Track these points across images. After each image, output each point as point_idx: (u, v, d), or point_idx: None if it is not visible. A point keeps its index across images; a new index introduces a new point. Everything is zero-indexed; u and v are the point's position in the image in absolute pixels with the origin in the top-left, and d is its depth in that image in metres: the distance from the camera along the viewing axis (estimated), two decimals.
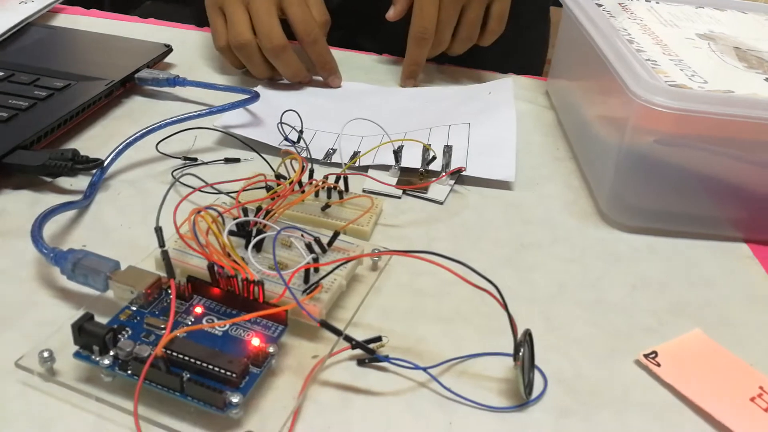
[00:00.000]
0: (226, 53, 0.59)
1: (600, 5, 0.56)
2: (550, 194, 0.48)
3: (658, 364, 0.34)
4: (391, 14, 0.61)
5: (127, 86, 0.56)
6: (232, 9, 0.56)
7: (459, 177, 0.48)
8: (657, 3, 0.59)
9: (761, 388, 0.33)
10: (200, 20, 0.72)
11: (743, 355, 0.35)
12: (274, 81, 0.61)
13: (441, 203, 0.46)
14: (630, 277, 0.41)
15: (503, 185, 0.48)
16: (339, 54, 0.64)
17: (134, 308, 0.32)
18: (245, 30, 0.56)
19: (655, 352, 0.35)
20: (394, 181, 0.47)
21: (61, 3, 0.71)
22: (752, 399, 0.32)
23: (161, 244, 0.32)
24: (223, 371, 0.28)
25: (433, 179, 0.47)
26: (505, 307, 0.30)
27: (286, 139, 0.49)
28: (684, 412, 0.32)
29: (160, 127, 0.47)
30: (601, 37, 0.50)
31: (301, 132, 0.50)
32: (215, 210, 0.34)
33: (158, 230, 0.32)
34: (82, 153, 0.44)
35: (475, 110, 0.56)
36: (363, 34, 0.73)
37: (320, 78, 0.62)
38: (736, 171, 0.43)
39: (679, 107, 0.40)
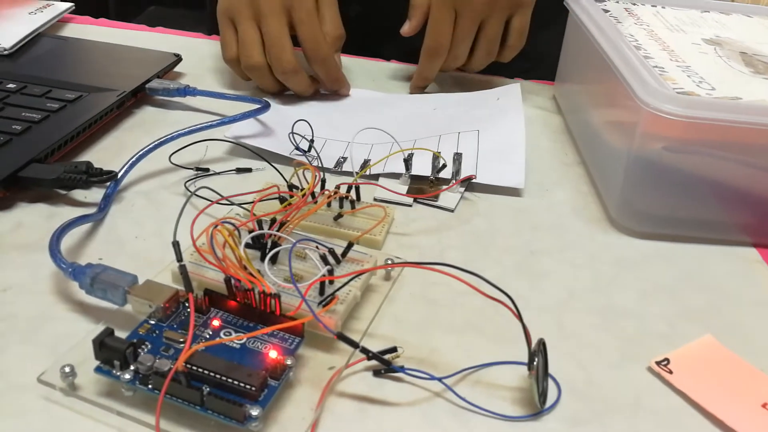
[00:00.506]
0: (234, 66, 0.59)
1: (606, 10, 0.57)
2: (560, 200, 0.49)
3: (670, 372, 0.34)
4: (406, 29, 0.60)
5: (138, 96, 0.56)
6: (244, 27, 0.56)
7: (469, 184, 0.49)
8: (663, 8, 0.59)
9: None
10: (212, 28, 0.72)
11: (754, 361, 0.35)
12: (282, 93, 0.61)
13: (452, 211, 0.46)
14: (640, 282, 0.41)
15: (513, 192, 0.49)
16: (345, 60, 0.65)
17: (153, 322, 0.32)
18: (256, 53, 0.56)
19: (667, 359, 0.35)
20: (404, 189, 0.48)
21: (69, 12, 0.72)
22: (764, 405, 0.33)
23: (179, 258, 0.32)
24: (242, 384, 0.28)
25: (444, 187, 0.47)
26: (520, 317, 0.30)
27: (297, 148, 0.50)
28: (696, 419, 0.32)
29: (171, 139, 0.48)
30: (608, 44, 0.50)
31: (312, 141, 0.50)
32: (231, 224, 0.34)
33: (176, 245, 0.32)
34: (95, 165, 0.44)
35: (483, 117, 0.56)
36: (382, 43, 0.73)
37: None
38: (745, 176, 0.43)
39: (687, 114, 0.40)
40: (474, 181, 0.48)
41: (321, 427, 0.30)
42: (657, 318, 0.38)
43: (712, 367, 0.35)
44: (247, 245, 0.36)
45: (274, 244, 0.36)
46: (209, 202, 0.41)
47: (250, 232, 0.36)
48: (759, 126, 0.40)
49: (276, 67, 0.56)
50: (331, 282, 0.34)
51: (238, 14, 0.56)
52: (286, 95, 0.61)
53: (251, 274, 0.32)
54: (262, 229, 0.37)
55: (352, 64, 0.67)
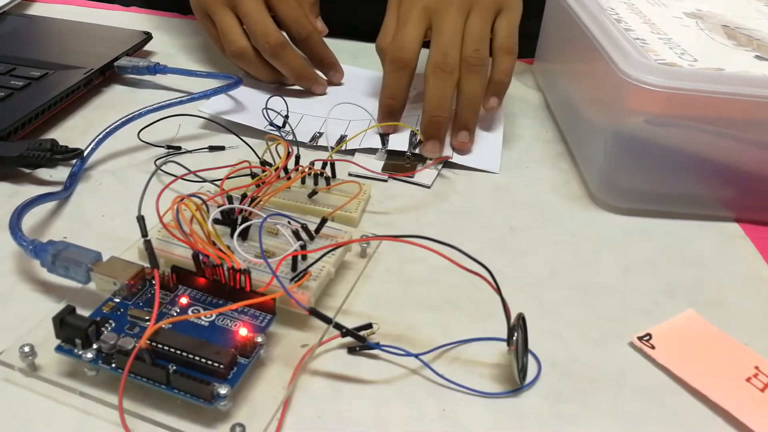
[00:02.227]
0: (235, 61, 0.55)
1: None
2: (539, 177, 0.48)
3: (653, 347, 0.33)
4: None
5: (107, 75, 0.55)
6: (220, 16, 0.53)
7: (446, 162, 0.48)
8: None
9: (757, 368, 0.33)
10: (180, 6, 0.70)
11: (737, 335, 0.34)
12: (283, 85, 0.57)
13: (428, 187, 0.45)
14: (622, 259, 0.40)
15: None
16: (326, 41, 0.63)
17: (117, 300, 0.31)
18: (238, 36, 0.53)
19: (649, 335, 0.34)
20: (380, 165, 0.46)
21: None
22: (748, 379, 0.32)
23: (144, 233, 0.31)
24: (210, 362, 0.27)
25: (420, 167, 0.46)
26: (498, 290, 0.29)
27: (271, 124, 0.48)
28: (680, 394, 0.31)
29: (141, 115, 0.46)
30: (589, 17, 0.49)
31: (286, 117, 0.49)
32: (199, 198, 0.33)
33: (140, 219, 0.31)
34: (61, 143, 0.43)
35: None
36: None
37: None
38: (727, 150, 0.43)
39: (669, 85, 0.39)
40: (450, 157, 0.47)
41: (293, 406, 0.29)
42: (639, 294, 0.37)
43: (695, 342, 0.34)
44: (216, 221, 0.34)
45: (245, 221, 0.35)
46: (179, 179, 0.39)
47: (220, 207, 0.35)
48: (742, 96, 0.39)
49: (262, 45, 0.52)
50: (304, 258, 0.33)
51: (211, 5, 0.53)
52: None
53: (220, 250, 0.31)
54: (232, 204, 0.36)
55: (334, 46, 0.65)
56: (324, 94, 0.56)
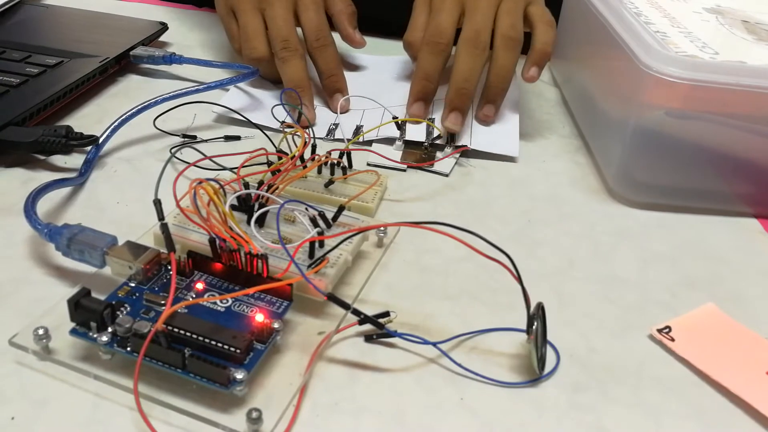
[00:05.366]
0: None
1: None
2: (557, 171, 0.47)
3: (672, 339, 0.33)
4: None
5: (122, 64, 0.54)
6: (247, 17, 0.52)
7: (463, 152, 0.47)
8: None
9: None
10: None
11: (757, 329, 0.34)
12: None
13: (446, 176, 0.45)
14: (641, 252, 0.40)
15: (508, 162, 0.47)
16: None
17: (133, 284, 0.31)
18: (261, 44, 0.51)
19: (668, 327, 0.34)
20: (398, 155, 0.46)
21: None
22: None
23: (160, 216, 0.30)
24: (226, 347, 0.27)
25: (439, 155, 0.46)
26: (519, 278, 0.29)
27: (285, 121, 0.48)
28: (700, 386, 0.31)
29: (156, 103, 0.46)
30: (609, 11, 0.48)
31: (300, 110, 0.48)
32: (216, 182, 0.33)
33: (157, 202, 0.31)
34: (76, 130, 0.43)
35: (478, 85, 0.55)
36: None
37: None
38: (747, 145, 0.42)
39: (691, 77, 0.39)
40: (468, 147, 0.47)
41: (310, 393, 0.28)
42: (658, 287, 0.37)
43: (715, 335, 0.34)
44: (233, 207, 0.34)
45: (262, 207, 0.34)
46: (194, 164, 0.39)
47: (236, 193, 0.34)
48: (764, 90, 0.39)
49: (277, 45, 0.50)
50: (321, 245, 0.33)
51: (239, 3, 0.52)
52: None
53: (237, 234, 0.31)
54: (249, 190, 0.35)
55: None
56: (313, 124, 0.50)
